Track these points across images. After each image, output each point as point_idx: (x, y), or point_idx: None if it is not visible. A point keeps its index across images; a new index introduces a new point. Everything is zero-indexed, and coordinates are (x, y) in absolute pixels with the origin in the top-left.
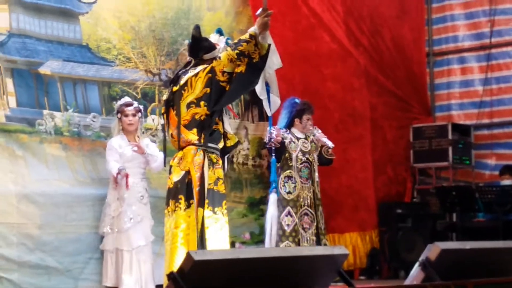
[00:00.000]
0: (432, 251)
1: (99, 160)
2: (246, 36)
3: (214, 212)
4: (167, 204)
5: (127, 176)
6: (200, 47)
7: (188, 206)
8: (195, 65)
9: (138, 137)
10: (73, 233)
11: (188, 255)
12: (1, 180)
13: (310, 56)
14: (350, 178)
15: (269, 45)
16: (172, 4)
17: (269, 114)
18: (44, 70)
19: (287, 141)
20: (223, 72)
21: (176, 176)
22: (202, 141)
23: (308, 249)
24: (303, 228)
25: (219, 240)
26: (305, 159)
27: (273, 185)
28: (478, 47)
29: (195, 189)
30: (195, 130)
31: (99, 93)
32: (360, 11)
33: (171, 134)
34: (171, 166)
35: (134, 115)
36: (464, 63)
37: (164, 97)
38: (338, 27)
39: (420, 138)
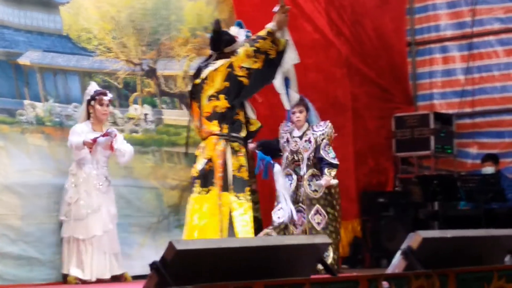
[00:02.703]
0: (414, 239)
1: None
2: (263, 32)
3: (238, 198)
4: (192, 192)
5: (106, 134)
6: (221, 41)
7: (207, 192)
8: (216, 59)
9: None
10: (55, 223)
11: (170, 245)
12: None
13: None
14: None
15: (287, 40)
16: None
17: (287, 108)
18: (23, 60)
19: (282, 140)
20: (241, 67)
21: (200, 164)
22: (223, 131)
23: (290, 238)
24: (294, 225)
25: (244, 223)
26: (296, 158)
27: (266, 159)
28: (460, 36)
29: (217, 174)
30: (215, 121)
31: (80, 83)
32: (341, 1)
33: (195, 125)
34: (196, 156)
35: (108, 105)
36: (446, 52)
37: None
38: (319, 17)
39: (402, 128)
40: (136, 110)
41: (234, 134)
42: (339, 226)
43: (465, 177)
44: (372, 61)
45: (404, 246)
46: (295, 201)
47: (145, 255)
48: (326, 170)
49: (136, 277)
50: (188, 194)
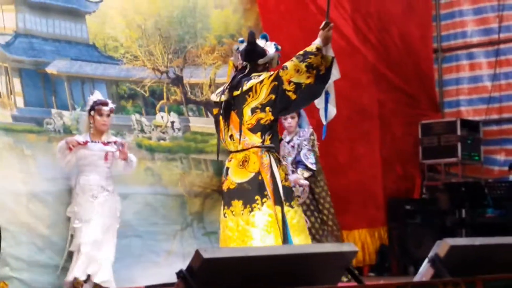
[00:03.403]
0: (441, 247)
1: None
2: (312, 48)
3: (291, 206)
4: (228, 205)
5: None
6: (256, 52)
7: (263, 204)
8: (252, 70)
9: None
10: None
11: (197, 253)
12: (11, 180)
13: None
14: (359, 175)
15: (333, 57)
16: (178, 3)
17: (324, 123)
18: (51, 69)
19: None
20: (289, 82)
21: (240, 177)
22: (266, 143)
23: (317, 247)
24: None
25: (303, 230)
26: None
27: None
28: (487, 42)
29: (269, 188)
30: (259, 133)
31: (107, 91)
32: (367, 8)
33: (230, 136)
34: (227, 168)
35: (108, 115)
36: (472, 59)
37: (214, 98)
38: (345, 24)
39: (429, 135)
40: (162, 118)
41: (273, 145)
42: (336, 227)
43: (492, 184)
44: (399, 68)
45: (431, 254)
46: None
47: (172, 263)
48: (299, 170)
49: (165, 285)
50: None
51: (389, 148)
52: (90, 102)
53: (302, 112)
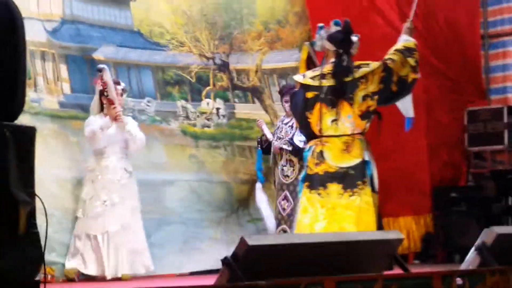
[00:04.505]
0: (488, 235)
1: (155, 144)
2: (411, 44)
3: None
4: (320, 187)
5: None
6: (351, 42)
7: (363, 189)
8: (349, 58)
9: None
10: None
11: (242, 240)
12: (57, 165)
13: (364, 40)
14: (404, 162)
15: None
16: None
17: (411, 115)
18: (97, 55)
19: (275, 129)
20: (398, 75)
21: (343, 162)
22: (366, 130)
23: (363, 234)
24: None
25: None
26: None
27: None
28: None
29: (375, 173)
30: (366, 120)
31: (153, 77)
32: None
33: (333, 120)
34: (321, 151)
35: (121, 94)
36: None
37: (310, 82)
38: (390, 10)
39: (475, 121)
40: (208, 104)
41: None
42: None
43: None
44: (445, 54)
45: (478, 242)
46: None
47: (216, 250)
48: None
49: (208, 272)
50: None
51: (435, 134)
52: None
53: None
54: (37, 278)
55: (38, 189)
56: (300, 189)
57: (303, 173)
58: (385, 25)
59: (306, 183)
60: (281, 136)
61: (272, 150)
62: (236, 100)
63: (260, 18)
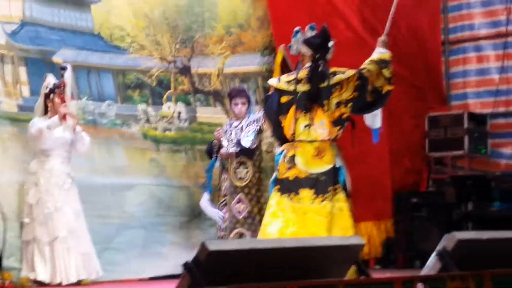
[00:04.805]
0: (449, 241)
1: (115, 148)
2: (387, 57)
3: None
4: (292, 192)
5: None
6: (327, 47)
7: (334, 195)
8: (324, 64)
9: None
10: (87, 222)
11: (203, 245)
12: (14, 170)
13: None
14: (367, 168)
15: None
16: None
17: (377, 126)
18: (57, 58)
19: (222, 131)
20: (373, 85)
21: (315, 168)
22: (337, 137)
23: (324, 240)
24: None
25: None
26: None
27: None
28: (494, 35)
29: (348, 179)
30: (338, 127)
31: (114, 81)
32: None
33: (306, 125)
34: (293, 156)
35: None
36: (480, 51)
37: (284, 86)
38: (352, 15)
39: (436, 127)
40: (169, 108)
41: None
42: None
43: (499, 178)
44: (406, 60)
45: (439, 247)
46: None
47: (177, 255)
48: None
49: (168, 277)
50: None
51: (397, 141)
52: (49, 85)
53: (252, 99)
54: None
55: None
56: (270, 192)
57: (273, 176)
58: (347, 30)
59: (277, 187)
60: (231, 139)
61: (218, 155)
62: (198, 104)
63: (222, 22)
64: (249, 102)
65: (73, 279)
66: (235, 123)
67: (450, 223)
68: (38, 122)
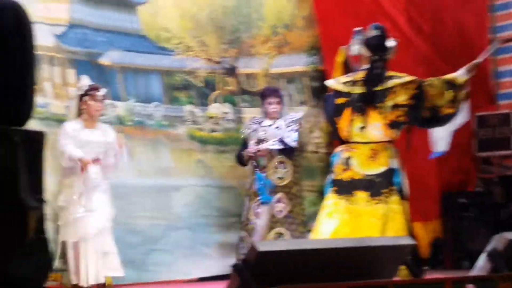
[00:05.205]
0: (499, 241)
1: (162, 149)
2: (462, 81)
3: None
4: (347, 193)
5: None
6: (386, 47)
7: (389, 197)
8: (383, 66)
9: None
10: (134, 224)
11: (252, 246)
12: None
13: None
14: (414, 168)
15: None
16: None
17: (443, 149)
18: (104, 60)
19: (249, 130)
20: (432, 103)
21: (370, 169)
22: (395, 139)
23: (374, 240)
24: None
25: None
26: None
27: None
28: None
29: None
30: (395, 129)
31: (160, 82)
32: None
33: (361, 127)
34: (348, 157)
35: (102, 100)
36: None
37: (340, 88)
38: (399, 15)
39: (484, 127)
40: (216, 109)
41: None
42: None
43: None
44: (453, 60)
45: (489, 247)
46: (254, 195)
47: (223, 255)
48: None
49: (215, 278)
50: None
51: None
52: (83, 87)
53: (284, 99)
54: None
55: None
56: (326, 192)
57: (329, 178)
58: (393, 30)
59: (334, 188)
60: (264, 138)
61: (247, 156)
62: (244, 104)
63: (268, 22)
64: (282, 101)
65: (93, 281)
66: (267, 122)
67: (498, 223)
68: (69, 128)
